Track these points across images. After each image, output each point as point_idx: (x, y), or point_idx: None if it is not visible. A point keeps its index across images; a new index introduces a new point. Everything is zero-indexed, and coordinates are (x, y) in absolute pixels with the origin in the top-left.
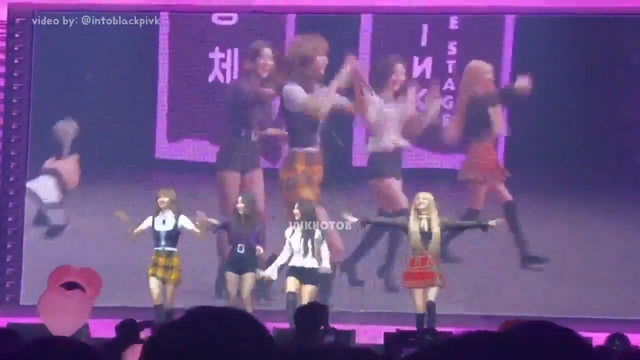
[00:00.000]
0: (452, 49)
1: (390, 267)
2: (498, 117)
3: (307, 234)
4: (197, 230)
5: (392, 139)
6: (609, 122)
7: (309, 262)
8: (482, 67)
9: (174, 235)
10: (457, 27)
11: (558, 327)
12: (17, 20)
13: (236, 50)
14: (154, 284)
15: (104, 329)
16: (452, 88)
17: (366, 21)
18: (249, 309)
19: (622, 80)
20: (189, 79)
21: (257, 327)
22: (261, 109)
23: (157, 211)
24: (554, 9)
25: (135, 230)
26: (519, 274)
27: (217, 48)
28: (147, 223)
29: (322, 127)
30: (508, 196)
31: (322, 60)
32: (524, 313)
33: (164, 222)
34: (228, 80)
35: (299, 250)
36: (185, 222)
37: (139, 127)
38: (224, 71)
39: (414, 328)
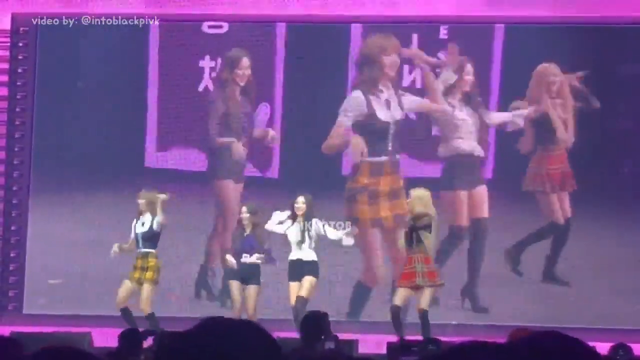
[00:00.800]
0: (442, 58)
1: (474, 285)
2: (569, 122)
3: (305, 226)
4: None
5: (469, 145)
6: (599, 130)
7: (308, 255)
8: (547, 70)
9: (150, 237)
10: (446, 36)
11: (566, 336)
12: (21, 29)
13: None
14: (123, 287)
15: (107, 338)
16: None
17: (356, 31)
18: (253, 319)
19: (612, 89)
20: (178, 88)
21: (266, 338)
22: (247, 117)
23: (138, 214)
24: (543, 18)
25: (128, 246)
26: (522, 284)
27: (207, 57)
28: (132, 230)
29: (395, 133)
30: (566, 213)
31: (389, 61)
32: (526, 323)
33: (143, 224)
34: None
35: (296, 242)
36: (158, 218)
37: (129, 136)
38: (214, 80)
39: (418, 337)
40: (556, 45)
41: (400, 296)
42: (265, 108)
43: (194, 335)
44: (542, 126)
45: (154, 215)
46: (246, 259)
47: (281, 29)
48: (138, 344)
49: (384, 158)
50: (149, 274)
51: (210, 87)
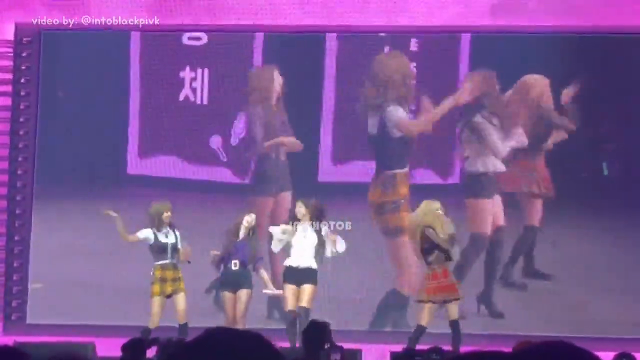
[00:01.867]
0: (413, 69)
1: (490, 291)
2: (550, 131)
3: (316, 234)
4: (185, 249)
5: (493, 163)
6: (575, 134)
7: (308, 262)
8: (531, 82)
9: (177, 248)
10: (417, 48)
11: (572, 346)
12: (24, 39)
13: (206, 69)
14: (157, 304)
15: (111, 348)
16: (412, 107)
17: (331, 41)
18: (240, 327)
19: (576, 99)
20: (160, 97)
21: (271, 349)
22: (283, 126)
23: (160, 225)
24: (509, 27)
25: (131, 236)
26: (523, 291)
27: (187, 67)
28: (145, 234)
29: (415, 148)
30: (533, 220)
31: (411, 81)
32: (528, 332)
33: (167, 235)
34: (198, 99)
35: (302, 251)
36: (179, 237)
37: (112, 143)
38: (194, 90)
39: (422, 347)
40: (522, 54)
41: (427, 315)
42: (244, 117)
43: (198, 346)
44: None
45: (172, 227)
46: (235, 266)
47: (259, 39)
48: (141, 354)
49: (407, 169)
50: (182, 285)
51: (191, 96)
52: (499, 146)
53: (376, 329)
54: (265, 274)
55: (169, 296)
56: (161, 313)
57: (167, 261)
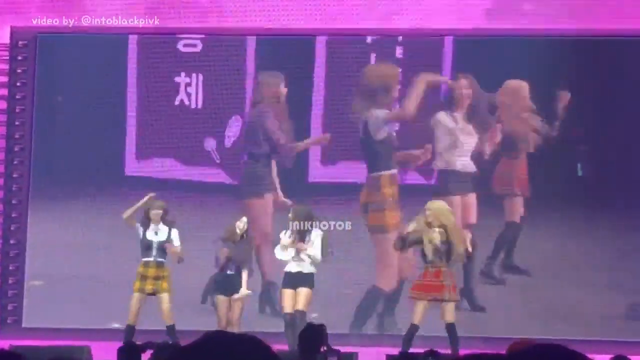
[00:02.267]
0: (398, 75)
1: (470, 286)
2: (531, 133)
3: (302, 235)
4: (178, 251)
5: (463, 162)
6: (549, 140)
7: (305, 267)
8: (518, 86)
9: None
10: (402, 55)
11: (566, 349)
12: (20, 42)
13: (200, 75)
14: (135, 300)
15: (107, 352)
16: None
17: (320, 45)
18: (236, 330)
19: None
20: (156, 101)
21: (268, 353)
22: (289, 130)
23: (148, 222)
24: (493, 30)
25: (133, 220)
26: (520, 294)
27: (182, 73)
28: (141, 235)
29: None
30: (514, 216)
31: (396, 89)
32: (524, 335)
33: (156, 232)
34: (193, 103)
35: (294, 255)
36: (175, 236)
37: (109, 145)
38: (189, 95)
39: (418, 350)
40: (505, 56)
41: (420, 314)
42: (237, 120)
43: (196, 349)
44: (510, 135)
45: (167, 224)
46: (231, 270)
47: (251, 43)
48: (137, 358)
49: (394, 171)
50: (165, 284)
51: (186, 101)
52: (447, 143)
53: (357, 328)
54: (245, 275)
55: (151, 294)
56: (139, 309)
57: (150, 259)
